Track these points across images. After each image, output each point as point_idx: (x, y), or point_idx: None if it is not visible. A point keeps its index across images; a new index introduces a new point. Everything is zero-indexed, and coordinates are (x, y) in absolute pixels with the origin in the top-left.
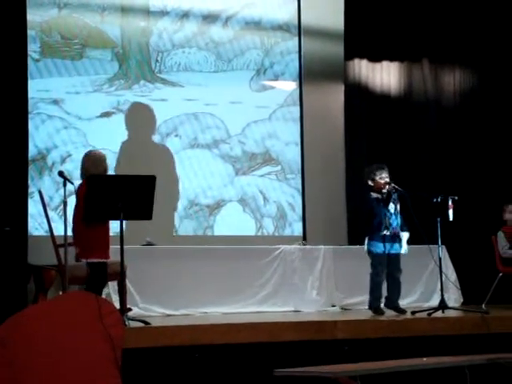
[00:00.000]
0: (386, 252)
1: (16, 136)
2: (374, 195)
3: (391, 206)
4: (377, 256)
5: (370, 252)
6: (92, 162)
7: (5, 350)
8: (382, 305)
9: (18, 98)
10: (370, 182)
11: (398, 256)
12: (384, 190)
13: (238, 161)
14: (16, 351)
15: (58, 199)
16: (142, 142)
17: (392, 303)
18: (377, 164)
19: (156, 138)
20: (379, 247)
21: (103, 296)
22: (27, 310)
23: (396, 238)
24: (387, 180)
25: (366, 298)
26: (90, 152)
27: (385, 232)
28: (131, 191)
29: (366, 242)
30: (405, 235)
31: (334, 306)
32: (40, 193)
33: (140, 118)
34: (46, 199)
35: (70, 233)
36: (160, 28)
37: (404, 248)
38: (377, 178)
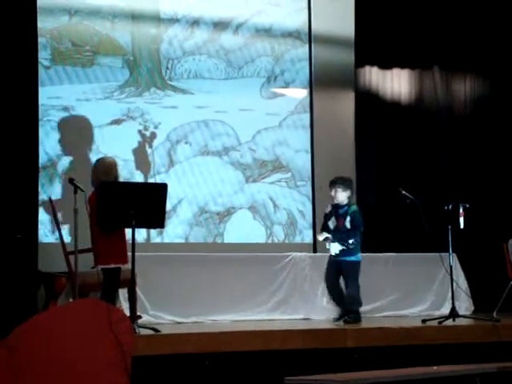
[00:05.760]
0: None
1: (26, 143)
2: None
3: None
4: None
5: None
6: (103, 169)
7: (13, 358)
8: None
9: (29, 105)
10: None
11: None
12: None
13: (249, 168)
14: (25, 359)
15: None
16: None
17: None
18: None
19: (166, 146)
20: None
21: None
22: (37, 318)
23: None
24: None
25: (375, 305)
26: (100, 159)
27: None
28: (143, 199)
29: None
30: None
31: None
32: (50, 200)
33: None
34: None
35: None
36: (170, 35)
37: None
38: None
